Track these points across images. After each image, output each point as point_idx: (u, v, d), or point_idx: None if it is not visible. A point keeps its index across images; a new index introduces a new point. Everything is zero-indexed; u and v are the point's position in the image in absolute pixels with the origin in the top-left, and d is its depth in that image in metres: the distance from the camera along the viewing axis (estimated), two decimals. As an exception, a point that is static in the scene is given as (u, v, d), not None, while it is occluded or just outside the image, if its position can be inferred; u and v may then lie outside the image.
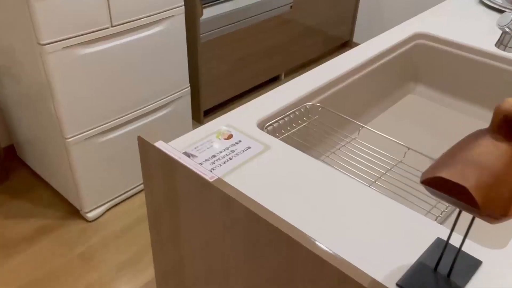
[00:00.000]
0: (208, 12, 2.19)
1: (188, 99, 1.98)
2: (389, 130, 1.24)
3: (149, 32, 1.67)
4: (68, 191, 1.83)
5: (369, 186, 0.77)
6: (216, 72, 2.34)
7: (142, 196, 1.98)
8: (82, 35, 1.49)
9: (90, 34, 1.51)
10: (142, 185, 1.97)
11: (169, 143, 0.85)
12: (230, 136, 0.87)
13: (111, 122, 1.71)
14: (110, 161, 1.78)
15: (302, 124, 1.02)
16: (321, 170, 0.81)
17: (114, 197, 1.89)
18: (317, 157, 0.98)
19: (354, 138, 1.10)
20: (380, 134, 1.00)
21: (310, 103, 1.05)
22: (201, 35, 2.17)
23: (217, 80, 2.37)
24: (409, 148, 0.97)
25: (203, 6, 2.11)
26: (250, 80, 2.57)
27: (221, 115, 0.97)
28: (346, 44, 3.28)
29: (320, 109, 1.06)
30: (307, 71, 2.94)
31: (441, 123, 1.29)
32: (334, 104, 1.14)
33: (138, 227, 1.85)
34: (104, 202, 1.85)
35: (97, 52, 1.55)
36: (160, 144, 0.75)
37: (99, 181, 1.79)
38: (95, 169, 1.75)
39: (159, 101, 1.85)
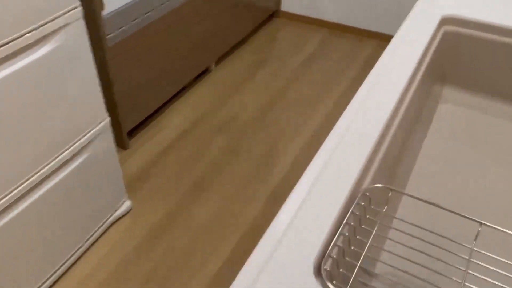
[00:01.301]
0: (111, 4, 1.59)
1: (109, 136, 1.42)
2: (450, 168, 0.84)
3: (34, 56, 1.08)
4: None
5: None
6: (134, 80, 1.77)
7: None
8: None
9: None
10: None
11: None
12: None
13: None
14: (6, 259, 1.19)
15: (370, 236, 0.57)
16: None
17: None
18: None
19: (472, 249, 0.65)
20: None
21: (370, 186, 0.60)
22: (107, 37, 1.58)
23: (138, 90, 1.80)
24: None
25: (103, -4, 1.51)
26: (177, 80, 2.03)
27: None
28: (274, 14, 2.82)
29: (390, 194, 0.61)
30: (239, 54, 2.43)
31: (491, 139, 0.91)
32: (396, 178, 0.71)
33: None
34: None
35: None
36: None
37: None
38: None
39: (67, 150, 1.27)
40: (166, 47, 1.89)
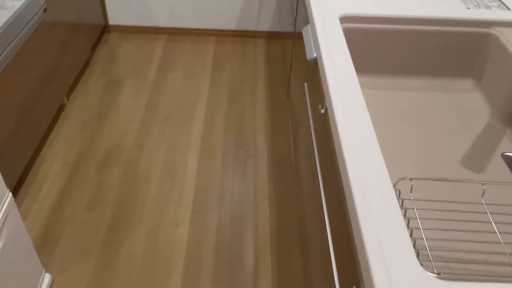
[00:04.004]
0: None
1: (16, 216, 1.22)
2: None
3: None
4: None
5: None
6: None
7: None
8: None
9: None
10: None
11: None
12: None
13: None
14: None
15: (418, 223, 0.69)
16: None
17: None
18: None
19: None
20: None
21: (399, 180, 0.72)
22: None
23: (1, 153, 1.57)
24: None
25: None
26: (36, 128, 1.81)
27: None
28: (104, 30, 2.68)
29: (412, 182, 0.73)
30: (88, 79, 2.28)
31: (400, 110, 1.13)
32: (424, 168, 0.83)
33: None
34: None
35: None
36: None
37: None
38: None
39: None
40: (11, 99, 1.68)
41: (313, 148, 1.09)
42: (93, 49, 2.53)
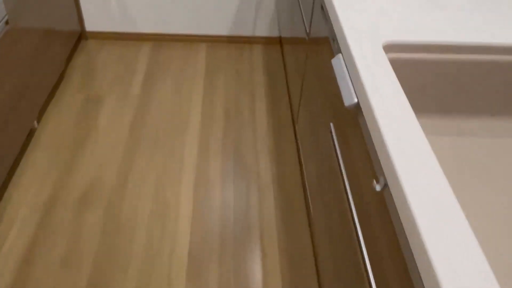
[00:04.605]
0: None
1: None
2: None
3: None
4: None
5: None
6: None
7: None
8: None
9: None
10: None
11: None
12: None
13: None
14: None
15: None
16: None
17: None
18: None
19: None
20: None
21: None
22: None
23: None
24: None
25: None
26: (1, 161, 1.52)
27: None
28: (81, 37, 2.36)
29: None
30: (62, 97, 1.97)
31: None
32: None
33: None
34: None
35: None
36: None
37: None
38: None
39: None
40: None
41: (353, 219, 0.82)
42: (69, 60, 2.22)
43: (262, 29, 2.38)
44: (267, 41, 2.42)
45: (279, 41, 2.43)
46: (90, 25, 2.34)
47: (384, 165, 0.65)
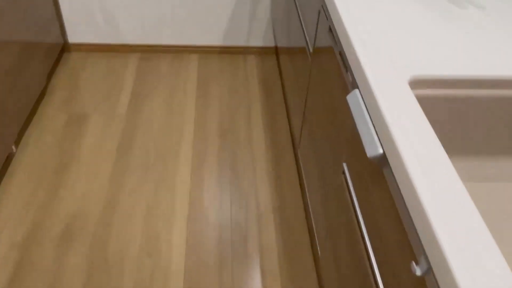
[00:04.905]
0: None
1: None
2: None
3: None
4: None
5: None
6: None
7: None
8: None
9: None
10: None
11: None
12: None
13: None
14: None
15: None
16: None
17: None
18: None
19: None
20: None
21: None
22: None
23: None
24: None
25: None
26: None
27: None
28: (64, 49, 2.21)
29: None
30: (44, 117, 1.83)
31: None
32: None
33: None
34: None
35: None
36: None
37: None
38: None
39: None
40: None
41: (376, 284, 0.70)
42: (50, 75, 2.07)
43: (257, 39, 2.25)
44: (262, 51, 2.29)
45: (275, 51, 2.30)
46: (73, 37, 2.19)
47: (426, 244, 0.53)
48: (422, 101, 0.75)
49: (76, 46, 2.21)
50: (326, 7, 1.02)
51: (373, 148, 0.66)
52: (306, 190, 1.37)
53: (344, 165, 0.89)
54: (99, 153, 1.71)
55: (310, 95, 1.27)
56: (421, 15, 0.90)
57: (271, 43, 2.27)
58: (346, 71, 0.86)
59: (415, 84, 0.74)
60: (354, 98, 0.77)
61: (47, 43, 1.95)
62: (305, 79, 1.31)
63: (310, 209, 1.31)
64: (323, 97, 1.09)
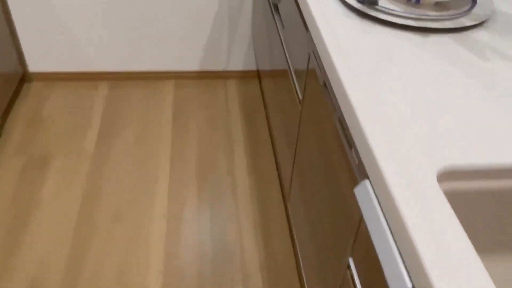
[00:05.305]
0: None
1: None
2: None
3: None
4: None
5: None
6: None
7: None
8: None
9: None
10: None
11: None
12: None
13: None
14: None
15: None
16: None
17: None
18: None
19: None
20: None
21: None
22: None
23: None
24: None
25: None
26: None
27: None
28: (24, 79, 2.00)
29: None
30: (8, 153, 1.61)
31: None
32: None
33: None
34: None
35: None
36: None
37: None
38: None
39: None
40: None
41: None
42: (8, 110, 1.85)
43: (237, 62, 2.07)
44: (242, 75, 2.11)
45: (257, 75, 2.12)
46: (34, 65, 1.98)
47: None
48: (451, 197, 0.58)
49: (37, 75, 2.00)
50: (321, 62, 0.85)
51: (397, 280, 0.49)
52: (299, 251, 1.20)
53: (350, 260, 0.72)
54: (61, 204, 1.50)
55: (300, 145, 1.10)
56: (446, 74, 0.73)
57: (252, 67, 2.09)
58: (350, 148, 0.69)
59: (445, 176, 0.57)
60: (363, 193, 0.59)
61: (3, 73, 1.74)
62: (294, 129, 1.14)
63: (304, 276, 1.14)
64: (319, 159, 0.92)
